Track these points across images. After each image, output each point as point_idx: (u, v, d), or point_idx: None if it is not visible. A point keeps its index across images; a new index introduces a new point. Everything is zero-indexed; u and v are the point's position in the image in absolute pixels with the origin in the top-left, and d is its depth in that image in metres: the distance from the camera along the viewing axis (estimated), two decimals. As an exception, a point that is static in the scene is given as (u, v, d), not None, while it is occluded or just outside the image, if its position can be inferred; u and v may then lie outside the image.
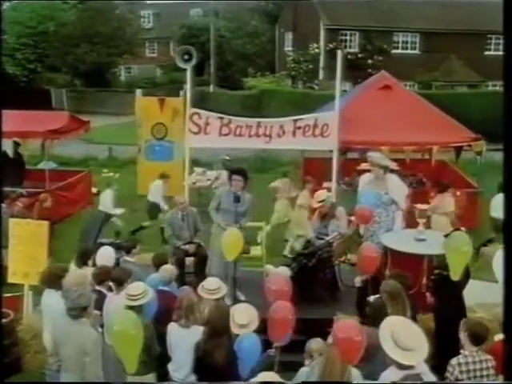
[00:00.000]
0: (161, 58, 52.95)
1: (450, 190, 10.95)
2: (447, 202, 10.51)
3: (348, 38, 36.11)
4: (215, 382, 5.29)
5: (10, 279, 8.06)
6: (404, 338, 4.59)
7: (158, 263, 7.23)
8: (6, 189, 11.38)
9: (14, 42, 37.08)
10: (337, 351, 4.79)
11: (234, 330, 5.49)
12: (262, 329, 5.69)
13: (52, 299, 6.16)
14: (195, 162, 13.85)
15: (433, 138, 13.02)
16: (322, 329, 6.95)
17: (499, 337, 5.65)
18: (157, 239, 11.16)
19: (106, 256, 7.54)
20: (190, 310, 5.70)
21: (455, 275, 6.32)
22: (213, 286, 6.28)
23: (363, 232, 9.12)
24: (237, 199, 8.14)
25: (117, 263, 7.84)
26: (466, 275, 6.80)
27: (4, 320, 7.23)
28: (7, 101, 11.18)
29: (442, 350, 6.10)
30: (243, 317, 5.55)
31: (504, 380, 5.07)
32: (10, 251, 8.16)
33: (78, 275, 6.40)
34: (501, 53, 37.05)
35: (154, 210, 12.33)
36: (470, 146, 13.32)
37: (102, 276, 6.54)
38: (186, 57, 9.74)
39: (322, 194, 8.72)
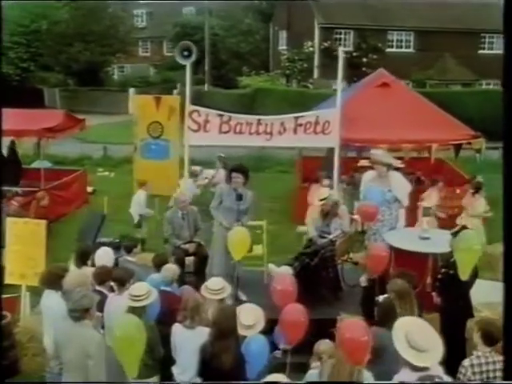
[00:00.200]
0: (154, 57, 52.85)
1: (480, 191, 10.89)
2: (479, 203, 10.44)
3: (343, 36, 36.06)
4: (222, 382, 5.13)
5: (7, 280, 7.88)
6: (418, 338, 4.46)
7: (158, 263, 7.09)
8: (2, 188, 11.19)
9: (7, 41, 36.74)
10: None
11: (240, 331, 5.35)
12: (268, 330, 5.58)
13: (52, 300, 5.99)
14: (191, 161, 13.69)
15: (432, 136, 12.94)
16: (325, 329, 6.86)
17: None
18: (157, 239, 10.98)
19: (104, 256, 7.38)
20: (196, 310, 5.54)
21: (464, 274, 6.21)
22: (217, 286, 6.13)
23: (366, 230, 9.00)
24: (239, 197, 8.01)
25: (116, 263, 7.71)
26: (474, 274, 6.69)
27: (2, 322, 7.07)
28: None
29: (449, 351, 5.98)
30: (249, 318, 5.42)
31: (504, 380, 4.94)
32: (6, 251, 7.98)
33: (79, 275, 6.23)
34: (494, 51, 37.21)
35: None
36: (469, 143, 13.24)
37: (103, 276, 6.37)
38: (186, 53, 9.56)
39: (324, 191, 8.58)
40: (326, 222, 8.52)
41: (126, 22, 45.15)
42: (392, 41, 36.97)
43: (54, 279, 6.09)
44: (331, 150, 14.08)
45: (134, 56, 49.84)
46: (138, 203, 11.97)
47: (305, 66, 36.00)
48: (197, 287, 7.18)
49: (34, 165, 15.80)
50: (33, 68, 38.64)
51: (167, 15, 49.45)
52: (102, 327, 5.99)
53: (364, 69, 30.92)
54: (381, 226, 8.63)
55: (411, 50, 36.98)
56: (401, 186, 8.78)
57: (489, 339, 5.09)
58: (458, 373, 4.99)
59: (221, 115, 9.53)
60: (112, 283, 6.33)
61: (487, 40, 37.89)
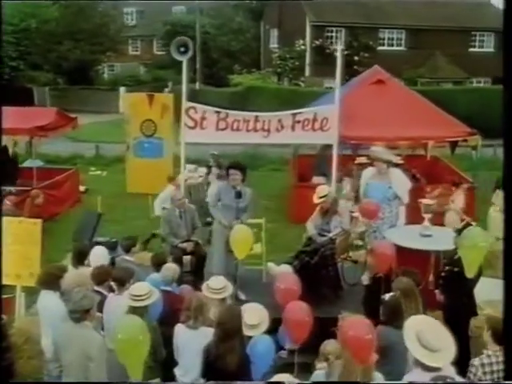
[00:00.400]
0: (144, 55, 52.68)
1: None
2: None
3: (334, 34, 36.04)
4: (227, 382, 4.99)
5: (3, 280, 7.68)
6: (430, 338, 4.35)
7: (157, 263, 6.98)
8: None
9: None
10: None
11: (244, 331, 5.22)
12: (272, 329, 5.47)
13: (50, 301, 5.82)
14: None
15: (428, 133, 12.90)
16: (326, 328, 6.75)
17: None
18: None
19: (98, 256, 7.25)
20: (200, 310, 5.38)
21: (470, 272, 6.12)
22: (218, 285, 6.01)
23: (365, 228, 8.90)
24: (238, 195, 7.89)
25: (112, 262, 7.57)
26: (478, 272, 6.60)
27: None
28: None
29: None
30: (253, 317, 5.30)
31: (504, 380, 4.85)
32: (2, 251, 7.80)
33: (78, 275, 6.09)
34: (485, 49, 37.40)
35: None
36: (465, 140, 13.18)
37: (102, 276, 6.23)
38: (183, 49, 9.41)
39: (323, 189, 8.46)
40: (326, 219, 8.40)
41: (116, 20, 44.93)
42: (383, 39, 37.00)
43: (51, 279, 5.92)
44: (324, 148, 14.10)
45: (124, 55, 49.62)
46: (164, 198, 11.70)
47: (296, 64, 35.94)
48: (195, 286, 7.10)
49: (26, 164, 15.61)
50: (22, 67, 38.23)
51: (157, 14, 49.37)
52: (102, 328, 5.86)
53: (355, 67, 30.83)
54: (381, 223, 8.51)
55: (402, 48, 37.02)
56: (401, 182, 8.67)
57: (499, 338, 4.98)
58: (468, 372, 4.88)
59: (218, 112, 9.38)
60: (111, 283, 6.19)
61: (478, 38, 38.08)
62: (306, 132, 9.47)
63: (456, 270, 6.61)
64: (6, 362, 6.88)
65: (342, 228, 8.30)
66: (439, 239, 7.66)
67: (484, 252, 6.23)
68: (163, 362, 5.56)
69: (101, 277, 6.23)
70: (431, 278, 7.49)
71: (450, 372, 4.47)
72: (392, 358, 5.16)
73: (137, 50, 54.62)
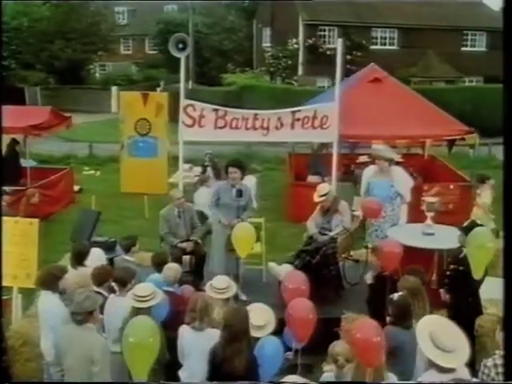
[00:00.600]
0: (136, 55, 52.47)
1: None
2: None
3: (327, 33, 35.96)
4: (233, 382, 4.87)
5: (-1, 282, 7.54)
6: (444, 338, 4.26)
7: (157, 263, 6.84)
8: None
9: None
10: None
11: (251, 332, 5.10)
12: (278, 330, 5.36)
13: (51, 302, 5.67)
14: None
15: (426, 132, 12.81)
16: (329, 328, 6.66)
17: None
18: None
19: (94, 257, 7.11)
20: (205, 311, 5.25)
21: (478, 272, 6.04)
22: (222, 284, 5.89)
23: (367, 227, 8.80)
24: (239, 193, 7.78)
25: (110, 263, 7.43)
26: (484, 272, 6.52)
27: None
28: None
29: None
30: (259, 318, 5.18)
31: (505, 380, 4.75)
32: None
33: (79, 275, 5.94)
34: (477, 49, 37.51)
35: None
36: (463, 139, 13.12)
37: (103, 276, 6.09)
38: (181, 45, 9.27)
39: (323, 187, 8.35)
40: (327, 218, 8.31)
41: (107, 19, 44.62)
42: (376, 38, 36.99)
43: (51, 280, 5.75)
44: (320, 147, 14.01)
45: (116, 54, 49.34)
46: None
47: (289, 63, 35.85)
48: (195, 286, 6.97)
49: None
50: (13, 66, 37.93)
51: (149, 13, 49.27)
52: (103, 330, 5.72)
53: (348, 66, 30.73)
54: (383, 222, 8.42)
55: (395, 47, 37.05)
56: (403, 181, 8.59)
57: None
58: (481, 373, 4.78)
59: (216, 110, 9.28)
60: (112, 284, 6.05)
61: (470, 37, 38.18)
62: (305, 130, 9.38)
63: (461, 268, 6.54)
64: (3, 365, 6.76)
65: (343, 227, 8.20)
66: (442, 238, 7.59)
67: (492, 252, 6.15)
68: (166, 364, 5.42)
69: (101, 277, 6.08)
70: (434, 276, 7.42)
71: (464, 373, 4.38)
72: (402, 358, 5.07)
73: (128, 49, 54.41)
